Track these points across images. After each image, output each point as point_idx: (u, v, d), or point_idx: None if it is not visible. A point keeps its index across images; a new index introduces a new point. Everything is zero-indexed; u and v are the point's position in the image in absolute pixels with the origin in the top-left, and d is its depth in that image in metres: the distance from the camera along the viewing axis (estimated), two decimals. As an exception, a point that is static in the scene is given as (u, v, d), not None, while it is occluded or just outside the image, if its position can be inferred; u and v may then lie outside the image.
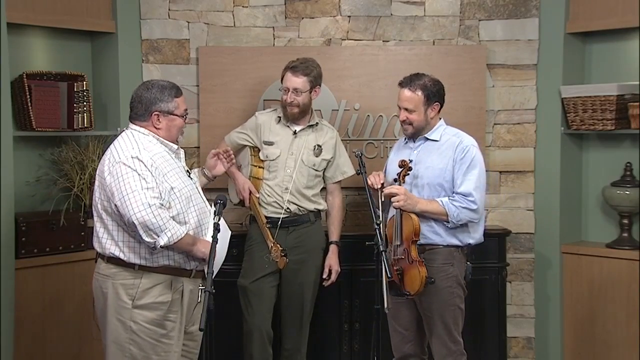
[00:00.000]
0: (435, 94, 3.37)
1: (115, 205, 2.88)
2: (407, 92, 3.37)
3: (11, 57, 3.73)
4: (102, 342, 3.08)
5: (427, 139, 3.40)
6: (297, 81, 3.68)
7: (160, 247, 2.87)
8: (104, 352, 3.05)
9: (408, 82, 3.39)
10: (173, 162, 3.03)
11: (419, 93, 3.35)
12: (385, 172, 3.54)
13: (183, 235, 2.92)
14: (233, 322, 3.81)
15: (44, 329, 3.90)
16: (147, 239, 2.85)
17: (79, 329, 4.00)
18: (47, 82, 3.97)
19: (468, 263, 3.40)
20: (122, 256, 2.95)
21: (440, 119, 3.45)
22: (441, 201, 3.28)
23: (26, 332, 3.83)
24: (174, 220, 2.91)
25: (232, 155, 3.51)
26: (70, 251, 3.98)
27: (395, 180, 3.31)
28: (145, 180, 2.88)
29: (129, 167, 2.88)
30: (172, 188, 2.95)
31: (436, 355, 3.37)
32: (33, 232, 3.84)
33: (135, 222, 2.82)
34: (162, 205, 2.88)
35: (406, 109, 3.37)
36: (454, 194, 3.30)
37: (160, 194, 2.90)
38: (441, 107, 3.42)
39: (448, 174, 3.32)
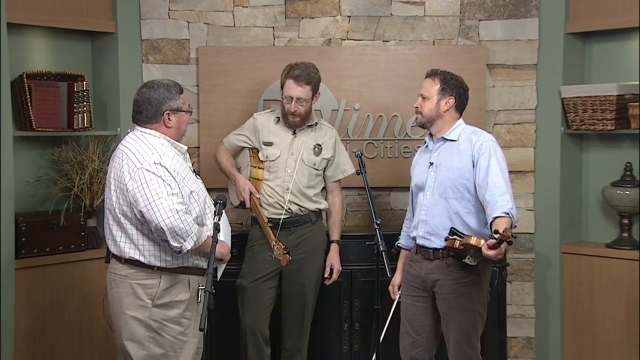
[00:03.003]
0: (451, 87, 3.32)
1: (140, 212, 2.89)
2: (427, 80, 3.38)
3: (11, 57, 3.73)
4: (112, 341, 3.10)
5: (446, 139, 3.34)
6: (302, 91, 3.64)
7: (187, 250, 2.91)
8: (119, 350, 3.07)
9: (431, 72, 3.39)
10: (185, 164, 3.05)
11: (437, 81, 3.34)
12: (411, 177, 3.49)
13: (206, 237, 2.97)
14: (233, 322, 3.81)
15: (44, 329, 3.90)
16: (175, 244, 2.89)
17: (79, 329, 4.00)
18: (47, 82, 3.97)
19: (495, 268, 3.37)
20: (142, 259, 2.97)
21: (459, 119, 3.38)
22: (503, 213, 3.04)
23: (26, 332, 3.83)
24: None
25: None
26: (70, 251, 3.98)
27: (493, 238, 2.95)
28: (170, 186, 2.90)
29: (153, 173, 2.89)
30: (191, 192, 2.99)
31: (452, 359, 3.36)
32: (33, 232, 3.84)
33: (163, 227, 2.84)
34: (186, 210, 2.91)
35: (422, 95, 3.36)
36: (493, 200, 3.09)
37: (183, 199, 2.93)
38: (457, 104, 3.34)
39: (468, 172, 3.24)
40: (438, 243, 3.27)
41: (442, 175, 3.30)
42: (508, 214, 3.03)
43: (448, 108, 3.34)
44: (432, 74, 3.37)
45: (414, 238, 3.39)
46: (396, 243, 3.58)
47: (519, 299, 4.42)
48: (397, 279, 3.50)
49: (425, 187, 3.34)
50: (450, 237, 3.18)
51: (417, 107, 3.38)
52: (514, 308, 4.40)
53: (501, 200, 3.08)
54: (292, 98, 3.65)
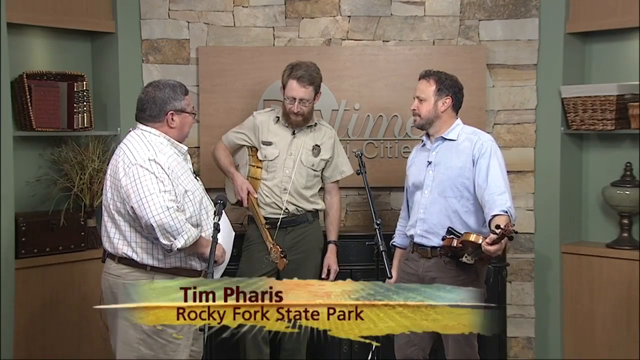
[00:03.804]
0: (448, 87, 3.32)
1: (132, 208, 2.88)
2: (422, 81, 3.37)
3: (11, 57, 3.73)
4: (109, 342, 3.10)
5: (445, 139, 3.33)
6: (305, 92, 3.63)
7: (177, 249, 2.90)
8: (114, 352, 3.06)
9: (425, 73, 3.38)
10: (184, 164, 3.05)
11: (432, 82, 3.33)
12: (407, 175, 3.49)
13: (197, 237, 2.95)
14: (233, 322, 3.80)
15: (44, 328, 3.90)
16: (164, 242, 2.87)
17: (79, 329, 4.00)
18: (47, 82, 3.98)
19: (490, 266, 3.37)
20: (135, 257, 2.96)
21: (457, 118, 3.38)
22: (502, 212, 3.05)
23: (26, 332, 3.83)
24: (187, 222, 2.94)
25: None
26: (70, 251, 3.98)
27: (495, 233, 2.94)
28: (163, 183, 2.89)
29: (147, 169, 2.89)
30: (186, 191, 2.98)
31: (451, 358, 3.34)
32: (33, 232, 3.84)
33: (153, 224, 2.83)
34: (178, 208, 2.90)
35: (418, 97, 3.35)
36: (492, 199, 3.11)
37: (176, 197, 2.92)
38: (454, 103, 3.34)
39: (468, 172, 3.24)
40: (436, 241, 3.27)
41: (441, 174, 3.30)
42: (507, 212, 3.04)
43: (446, 108, 3.33)
44: (426, 75, 3.36)
45: (411, 236, 3.39)
46: (391, 242, 3.58)
47: (519, 299, 4.42)
48: (393, 277, 3.49)
49: (424, 186, 3.34)
50: (448, 236, 3.19)
51: (414, 110, 3.37)
52: (514, 308, 4.40)
53: (500, 199, 3.09)
54: (295, 99, 3.65)
